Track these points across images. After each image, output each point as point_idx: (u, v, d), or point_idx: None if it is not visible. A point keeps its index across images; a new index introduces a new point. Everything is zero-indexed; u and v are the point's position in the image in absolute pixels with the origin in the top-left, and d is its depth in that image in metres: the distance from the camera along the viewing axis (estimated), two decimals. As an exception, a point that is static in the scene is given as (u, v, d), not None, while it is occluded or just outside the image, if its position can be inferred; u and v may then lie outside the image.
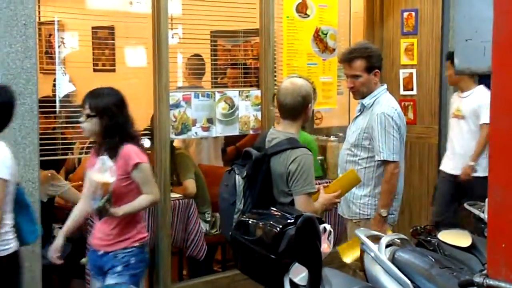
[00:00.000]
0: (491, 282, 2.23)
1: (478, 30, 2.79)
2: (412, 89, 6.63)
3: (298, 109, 3.83)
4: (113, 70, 6.97)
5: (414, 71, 6.62)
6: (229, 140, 6.47)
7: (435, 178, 6.42)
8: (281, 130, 3.90)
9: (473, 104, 5.82)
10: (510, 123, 2.25)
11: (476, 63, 2.80)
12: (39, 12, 5.62)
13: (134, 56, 6.56)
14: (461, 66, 2.86)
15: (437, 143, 6.53)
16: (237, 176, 3.74)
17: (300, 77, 3.98)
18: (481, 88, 5.86)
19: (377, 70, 4.50)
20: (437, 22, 6.47)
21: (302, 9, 5.88)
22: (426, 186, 6.61)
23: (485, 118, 5.66)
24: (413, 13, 6.60)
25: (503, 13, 2.30)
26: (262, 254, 3.32)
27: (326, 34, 6.02)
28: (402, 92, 6.68)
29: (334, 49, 6.09)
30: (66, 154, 5.69)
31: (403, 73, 6.69)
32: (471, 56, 2.82)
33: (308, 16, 5.93)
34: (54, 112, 5.43)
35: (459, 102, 6.00)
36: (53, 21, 6.15)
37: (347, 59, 4.51)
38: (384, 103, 4.45)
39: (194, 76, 6.11)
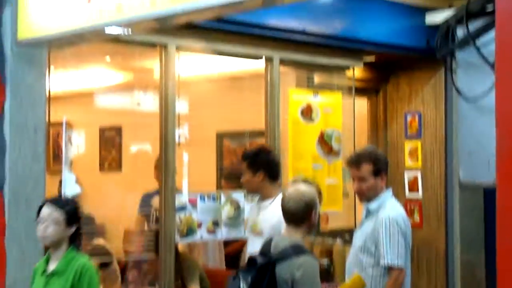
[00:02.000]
0: None
1: (482, 143, 2.84)
2: (417, 192, 6.64)
3: (301, 214, 3.86)
4: (119, 170, 7.03)
5: (419, 173, 6.65)
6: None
7: (443, 284, 6.31)
8: (286, 236, 3.90)
9: (272, 219, 4.63)
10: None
11: (480, 176, 2.84)
12: (49, 114, 5.72)
13: (141, 156, 6.63)
14: (466, 179, 2.90)
15: (445, 247, 6.45)
16: (241, 283, 3.72)
17: (305, 181, 4.03)
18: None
19: (383, 174, 4.54)
20: (440, 125, 6.54)
21: (307, 114, 5.99)
22: (435, 291, 6.50)
23: None
24: (417, 116, 6.69)
25: (505, 131, 2.34)
26: None
27: (330, 137, 6.10)
28: (407, 194, 6.68)
29: (338, 152, 6.15)
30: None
31: (408, 176, 6.71)
32: (475, 169, 2.86)
33: (313, 120, 6.03)
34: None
35: (256, 214, 4.92)
36: (61, 122, 6.23)
37: (354, 162, 4.56)
38: (390, 207, 4.46)
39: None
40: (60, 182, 5.74)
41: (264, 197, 4.87)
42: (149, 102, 6.19)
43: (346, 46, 6.08)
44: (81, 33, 4.08)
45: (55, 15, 4.12)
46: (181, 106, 5.69)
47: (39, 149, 4.38)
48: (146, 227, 5.99)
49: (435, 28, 6.26)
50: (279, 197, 4.24)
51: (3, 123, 4.30)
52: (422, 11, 6.31)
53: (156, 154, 5.43)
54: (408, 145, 6.74)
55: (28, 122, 4.35)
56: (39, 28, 4.23)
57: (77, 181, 5.92)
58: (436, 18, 6.19)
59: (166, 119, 5.26)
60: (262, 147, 5.27)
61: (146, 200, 6.01)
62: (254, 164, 4.82)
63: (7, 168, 4.27)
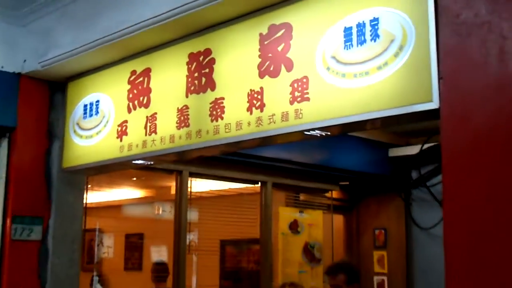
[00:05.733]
0: None
1: (433, 265, 2.83)
2: (385, 293, 6.53)
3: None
4: (140, 270, 6.92)
5: (385, 278, 6.56)
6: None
7: None
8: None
9: None
10: None
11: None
12: (85, 224, 5.71)
13: (158, 256, 6.55)
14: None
15: None
16: None
17: (293, 284, 3.98)
18: None
19: (356, 283, 4.46)
20: (402, 238, 6.51)
21: (294, 227, 5.99)
22: None
23: None
24: (383, 231, 6.67)
25: (452, 256, 2.34)
26: None
27: (313, 247, 6.07)
28: (376, 295, 6.57)
29: (320, 260, 6.11)
30: None
31: (376, 279, 6.62)
32: (429, 285, 2.83)
33: (299, 232, 6.02)
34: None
35: None
36: (95, 228, 6.21)
37: (331, 272, 4.49)
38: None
39: (158, 280, 5.81)
40: (91, 278, 5.67)
41: None
42: (166, 213, 6.20)
43: (325, 173, 6.15)
44: (113, 164, 4.13)
45: (92, 149, 4.19)
46: (192, 217, 5.71)
47: (75, 256, 4.34)
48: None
49: (396, 159, 6.37)
50: None
51: (47, 235, 4.28)
52: (386, 146, 6.44)
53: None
54: (376, 255, 6.68)
55: (67, 234, 4.33)
56: (79, 158, 4.29)
57: (99, 281, 5.83)
58: (397, 153, 6.35)
59: (179, 226, 5.26)
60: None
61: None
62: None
63: (49, 271, 4.22)
